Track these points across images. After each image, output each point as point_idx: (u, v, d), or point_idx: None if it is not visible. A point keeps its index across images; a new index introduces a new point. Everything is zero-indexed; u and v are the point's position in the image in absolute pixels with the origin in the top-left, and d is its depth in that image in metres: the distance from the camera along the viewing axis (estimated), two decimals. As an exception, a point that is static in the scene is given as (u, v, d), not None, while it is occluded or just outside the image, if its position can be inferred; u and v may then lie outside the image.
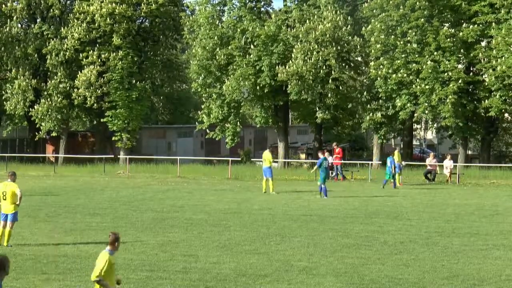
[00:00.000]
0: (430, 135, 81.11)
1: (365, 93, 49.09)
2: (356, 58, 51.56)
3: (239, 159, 51.77)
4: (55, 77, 53.26)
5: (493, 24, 44.25)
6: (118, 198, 29.02)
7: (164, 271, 13.93)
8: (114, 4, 51.61)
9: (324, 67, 46.70)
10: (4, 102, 54.12)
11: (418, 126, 73.25)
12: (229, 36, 49.63)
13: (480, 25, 44.93)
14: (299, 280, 13.40)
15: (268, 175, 32.15)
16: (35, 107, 53.02)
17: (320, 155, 31.96)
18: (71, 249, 16.41)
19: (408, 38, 45.56)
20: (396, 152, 38.52)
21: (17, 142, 64.92)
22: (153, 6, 52.61)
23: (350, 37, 47.80)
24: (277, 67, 46.99)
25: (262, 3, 51.26)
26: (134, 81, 52.89)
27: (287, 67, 46.52)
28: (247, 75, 47.51)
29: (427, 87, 44.59)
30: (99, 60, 52.26)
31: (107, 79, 52.49)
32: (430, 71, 44.20)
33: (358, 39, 47.81)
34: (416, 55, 45.45)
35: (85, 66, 52.33)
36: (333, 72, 46.68)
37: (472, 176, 41.80)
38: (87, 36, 52.38)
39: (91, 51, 52.39)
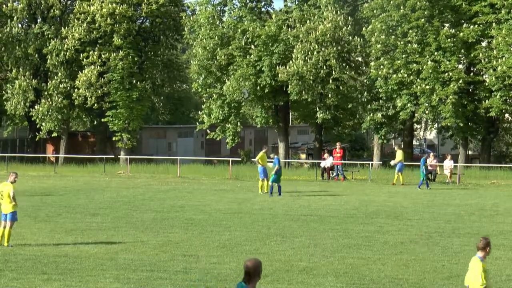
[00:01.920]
0: (429, 135, 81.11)
1: (365, 93, 49.11)
2: (357, 58, 51.60)
3: (240, 159, 51.79)
4: (55, 77, 53.29)
5: (494, 24, 44.26)
6: (119, 198, 29.02)
7: (164, 271, 13.92)
8: (114, 4, 51.64)
9: (324, 67, 46.71)
10: (5, 102, 54.13)
11: (418, 126, 73.27)
12: (230, 36, 49.65)
13: (481, 25, 44.95)
14: (299, 280, 13.40)
15: (260, 176, 32.33)
16: (36, 107, 53.05)
17: (274, 156, 31.94)
18: (71, 249, 16.40)
19: (409, 38, 45.57)
20: (399, 151, 38.64)
21: (18, 142, 64.94)
22: (153, 6, 52.64)
23: (350, 37, 47.83)
24: (277, 67, 47.00)
25: (263, 3, 51.30)
26: (134, 81, 52.91)
27: (287, 67, 46.54)
28: (247, 75, 47.53)
29: (427, 87, 44.60)
30: (100, 60, 52.29)
31: (107, 79, 52.51)
32: (430, 71, 44.22)
33: (358, 39, 47.83)
34: (417, 55, 45.46)
35: (85, 66, 52.36)
36: (333, 72, 46.69)
37: (473, 176, 41.81)
38: (88, 36, 52.41)
39: (92, 51, 52.42)
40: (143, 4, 52.98)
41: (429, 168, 40.61)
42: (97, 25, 52.32)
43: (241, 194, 31.59)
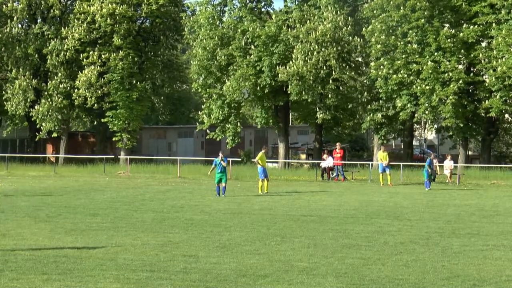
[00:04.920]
0: (430, 135, 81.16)
1: (365, 93, 49.12)
2: (357, 59, 51.62)
3: (240, 159, 51.80)
4: (55, 77, 53.32)
5: (494, 24, 44.27)
6: (119, 199, 29.01)
7: (164, 272, 13.92)
8: (114, 5, 51.69)
9: (324, 68, 46.72)
10: (5, 103, 54.16)
11: (418, 127, 73.29)
12: (230, 36, 49.67)
13: (481, 26, 44.97)
14: (299, 280, 13.39)
15: (260, 176, 32.27)
16: (36, 107, 53.07)
17: (218, 157, 31.76)
18: (71, 249, 16.39)
19: (409, 38, 45.58)
20: (385, 153, 38.83)
21: (18, 142, 64.97)
22: (153, 7, 52.68)
23: (350, 38, 47.84)
24: (277, 67, 47.01)
25: (263, 3, 51.32)
26: (134, 82, 52.93)
27: (287, 67, 46.54)
28: (247, 76, 47.54)
29: (427, 87, 44.61)
30: (100, 61, 52.32)
31: (107, 80, 52.53)
32: (430, 71, 44.22)
33: (358, 39, 47.84)
34: (417, 56, 45.47)
35: (85, 67, 52.39)
36: (333, 72, 46.70)
37: (473, 177, 41.81)
38: (88, 37, 52.44)
39: (92, 51, 52.45)
40: (143, 4, 53.02)
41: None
42: (97, 25, 52.35)
43: (241, 194, 31.58)
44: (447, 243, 17.93)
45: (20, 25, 54.88)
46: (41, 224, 20.83)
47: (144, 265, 14.56)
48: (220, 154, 31.57)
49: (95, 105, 52.63)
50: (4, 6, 53.21)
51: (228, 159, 46.35)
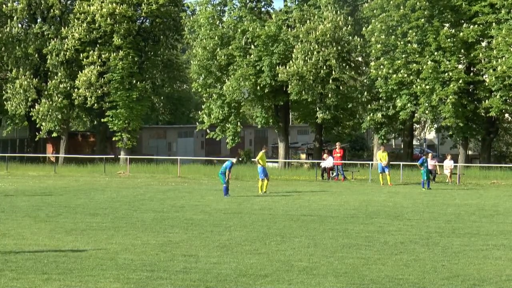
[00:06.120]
0: (429, 134, 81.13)
1: (365, 93, 49.12)
2: (357, 58, 51.62)
3: (240, 159, 51.79)
4: (55, 77, 53.32)
5: (494, 24, 44.28)
6: (119, 198, 29.02)
7: (164, 271, 13.92)
8: (114, 4, 51.69)
9: (324, 67, 46.71)
10: (5, 102, 54.15)
11: (418, 126, 73.27)
12: (230, 36, 49.67)
13: (481, 25, 44.98)
14: (299, 280, 13.40)
15: (260, 176, 32.35)
16: (36, 107, 53.08)
17: (231, 159, 31.88)
18: (71, 249, 16.40)
19: (409, 38, 45.58)
20: (384, 153, 38.97)
21: (18, 142, 64.97)
22: (153, 6, 52.68)
23: (350, 37, 47.84)
24: (277, 67, 47.00)
25: (263, 3, 51.32)
26: (134, 81, 52.93)
27: (287, 67, 46.53)
28: (247, 75, 47.53)
29: (427, 87, 44.62)
30: (100, 60, 52.32)
31: (107, 79, 52.54)
32: (430, 71, 44.23)
33: (358, 39, 47.83)
34: (417, 55, 45.47)
35: (85, 66, 52.39)
36: (333, 72, 46.69)
37: (473, 176, 41.81)
38: (88, 36, 52.45)
39: (92, 51, 52.45)
40: (143, 4, 53.01)
41: (429, 167, 40.68)
42: (97, 25, 52.35)
43: (241, 194, 31.60)
44: (447, 243, 17.93)
45: (20, 25, 54.85)
46: (41, 224, 20.83)
47: (144, 265, 14.56)
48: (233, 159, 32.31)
49: (95, 105, 52.64)
50: (4, 6, 53.20)
51: (229, 159, 46.47)
